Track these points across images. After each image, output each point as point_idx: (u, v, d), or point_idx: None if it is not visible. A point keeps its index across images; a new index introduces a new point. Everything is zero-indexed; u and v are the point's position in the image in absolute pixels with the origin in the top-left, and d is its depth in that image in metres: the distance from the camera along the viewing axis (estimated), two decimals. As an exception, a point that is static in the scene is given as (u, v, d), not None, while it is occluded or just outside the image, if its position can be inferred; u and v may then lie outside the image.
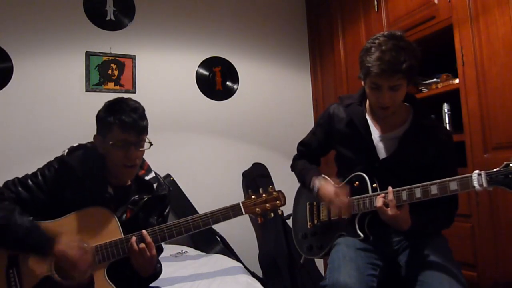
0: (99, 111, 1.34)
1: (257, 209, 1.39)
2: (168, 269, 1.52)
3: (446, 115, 2.11)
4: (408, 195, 1.31)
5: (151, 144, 1.35)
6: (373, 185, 1.44)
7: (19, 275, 1.22)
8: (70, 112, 2.62)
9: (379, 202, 1.34)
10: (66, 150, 1.36)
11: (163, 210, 1.48)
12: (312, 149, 1.74)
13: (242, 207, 1.37)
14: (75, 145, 1.39)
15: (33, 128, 2.56)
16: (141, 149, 1.33)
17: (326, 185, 1.52)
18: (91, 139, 1.39)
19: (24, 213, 1.25)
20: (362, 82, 1.48)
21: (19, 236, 1.19)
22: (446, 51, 2.01)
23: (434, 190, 1.25)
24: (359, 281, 1.28)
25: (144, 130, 1.32)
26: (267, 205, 1.40)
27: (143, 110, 1.34)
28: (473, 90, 1.85)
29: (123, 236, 1.28)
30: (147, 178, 1.43)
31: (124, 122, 1.27)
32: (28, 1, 2.60)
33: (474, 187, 1.17)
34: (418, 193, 1.29)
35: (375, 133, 1.52)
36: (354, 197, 1.47)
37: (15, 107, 2.53)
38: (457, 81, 1.97)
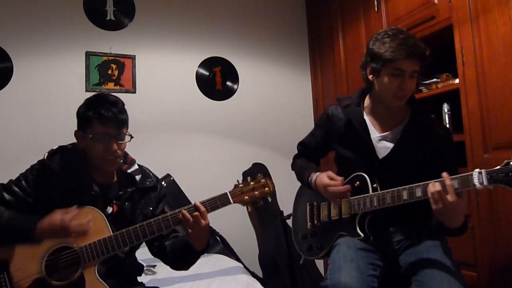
0: (79, 108, 1.36)
1: (246, 197, 1.35)
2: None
3: (446, 115, 2.11)
4: (409, 194, 1.30)
5: (132, 137, 1.37)
6: (374, 185, 1.44)
7: (9, 279, 1.22)
8: (70, 112, 2.58)
9: (436, 186, 1.20)
10: (46, 154, 1.36)
11: (157, 204, 1.47)
12: (311, 149, 1.74)
13: (229, 196, 1.34)
14: (54, 147, 1.39)
15: (33, 128, 2.56)
16: (120, 142, 1.34)
17: (322, 174, 1.52)
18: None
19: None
20: (370, 76, 1.46)
21: (1, 224, 1.21)
22: (446, 51, 2.01)
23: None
24: (360, 281, 1.28)
25: (123, 123, 1.34)
26: (256, 192, 1.36)
27: (123, 104, 1.37)
28: (473, 90, 1.85)
29: (111, 233, 1.28)
30: (129, 171, 1.44)
31: (103, 115, 1.29)
32: (28, 1, 2.60)
33: (474, 185, 1.16)
34: (418, 192, 1.28)
35: (374, 133, 1.52)
36: (355, 197, 1.47)
37: (15, 107, 2.53)
38: (457, 81, 1.97)
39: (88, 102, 1.35)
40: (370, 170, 1.48)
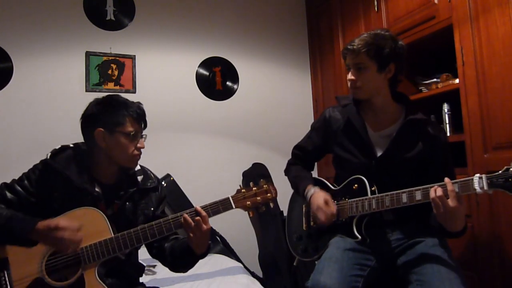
0: (100, 107, 1.36)
1: (248, 203, 1.36)
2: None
3: (446, 115, 2.11)
4: (408, 197, 1.31)
5: (146, 136, 1.44)
6: (372, 188, 1.45)
7: (9, 278, 1.22)
8: (70, 112, 2.62)
9: (438, 191, 1.22)
10: (49, 153, 1.36)
11: (158, 205, 1.47)
12: (308, 153, 1.74)
13: (232, 201, 1.35)
14: (57, 147, 1.39)
15: (33, 128, 2.55)
16: (144, 140, 1.41)
17: (320, 192, 1.53)
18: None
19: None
20: None
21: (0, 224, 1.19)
22: (446, 51, 2.01)
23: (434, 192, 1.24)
24: (340, 282, 1.29)
25: (146, 123, 1.43)
26: (258, 198, 1.37)
27: None
28: (473, 90, 1.85)
29: (112, 235, 1.28)
30: (131, 171, 1.44)
31: (137, 114, 1.37)
32: (28, 1, 2.60)
33: (475, 190, 1.18)
34: (418, 195, 1.29)
35: (370, 131, 1.53)
36: (353, 199, 1.47)
37: (15, 107, 2.53)
38: (457, 81, 1.97)
39: (113, 102, 1.37)
40: (368, 169, 1.48)
